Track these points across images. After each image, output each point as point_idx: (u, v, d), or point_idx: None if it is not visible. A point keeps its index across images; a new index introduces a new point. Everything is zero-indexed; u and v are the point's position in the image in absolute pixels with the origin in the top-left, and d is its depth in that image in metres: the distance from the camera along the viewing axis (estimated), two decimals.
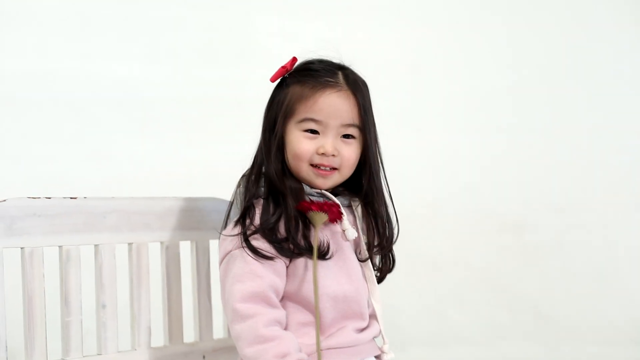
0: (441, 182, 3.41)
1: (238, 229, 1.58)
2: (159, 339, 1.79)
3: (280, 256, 1.56)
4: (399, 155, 2.98)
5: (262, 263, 1.55)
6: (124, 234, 1.73)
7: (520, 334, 3.21)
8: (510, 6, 3.52)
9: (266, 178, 1.62)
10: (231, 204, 1.64)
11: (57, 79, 2.96)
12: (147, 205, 1.76)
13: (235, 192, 1.64)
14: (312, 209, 1.55)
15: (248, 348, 1.51)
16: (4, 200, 1.57)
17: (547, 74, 3.51)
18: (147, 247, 1.77)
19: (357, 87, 1.64)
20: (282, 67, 1.65)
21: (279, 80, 1.66)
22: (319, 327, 1.51)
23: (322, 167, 1.61)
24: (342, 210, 1.62)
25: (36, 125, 2.91)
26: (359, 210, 1.69)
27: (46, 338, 1.61)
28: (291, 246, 1.56)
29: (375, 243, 1.67)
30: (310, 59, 1.66)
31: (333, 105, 1.60)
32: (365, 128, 1.63)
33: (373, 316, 1.69)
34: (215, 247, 1.83)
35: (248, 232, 1.56)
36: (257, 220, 1.57)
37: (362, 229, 1.68)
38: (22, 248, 1.59)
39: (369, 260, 1.68)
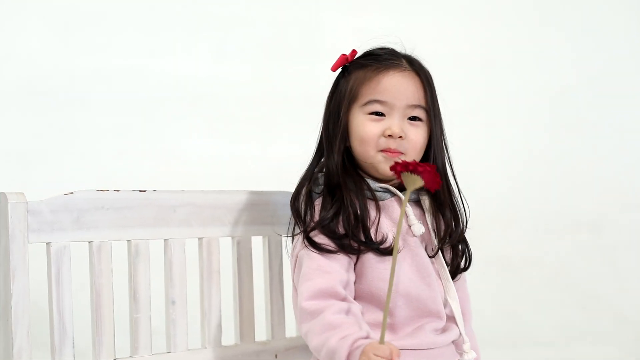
0: (513, 179, 3.37)
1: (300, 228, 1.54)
2: (229, 337, 1.75)
3: (342, 252, 1.51)
4: (470, 150, 2.95)
5: (328, 259, 1.50)
6: (195, 228, 1.69)
7: (595, 335, 3.14)
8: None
9: (326, 172, 1.57)
10: (293, 205, 1.59)
11: (125, 77, 2.99)
12: (218, 199, 1.72)
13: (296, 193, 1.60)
14: (406, 170, 1.39)
15: (315, 339, 1.44)
16: (72, 193, 1.54)
17: (622, 68, 3.45)
18: (218, 242, 1.73)
19: (422, 69, 1.60)
20: (343, 55, 1.61)
21: (340, 69, 1.62)
22: (387, 313, 1.37)
23: (390, 152, 1.55)
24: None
25: (106, 122, 2.95)
26: (426, 203, 1.61)
27: (114, 335, 1.58)
28: (352, 242, 1.51)
29: (442, 235, 1.59)
30: (371, 48, 1.63)
31: (398, 85, 1.55)
32: (431, 110, 1.58)
33: (451, 318, 1.61)
34: (288, 242, 1.79)
35: (308, 229, 1.52)
36: (317, 217, 1.54)
37: (432, 224, 1.60)
38: (89, 242, 1.56)
39: (440, 256, 1.60)
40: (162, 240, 1.66)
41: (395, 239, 1.40)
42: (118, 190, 1.60)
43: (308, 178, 1.60)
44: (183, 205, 1.67)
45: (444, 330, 1.59)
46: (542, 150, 3.39)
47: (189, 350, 1.67)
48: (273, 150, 3.08)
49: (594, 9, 3.46)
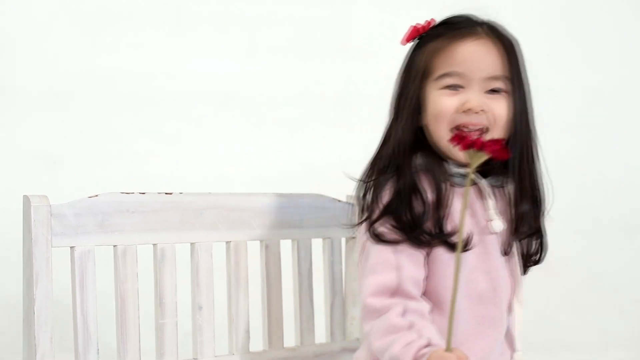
0: (546, 181, 3.34)
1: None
2: (257, 343, 1.72)
3: (408, 242, 1.39)
4: None
5: (396, 252, 1.38)
6: (222, 231, 1.66)
7: (632, 339, 3.08)
8: None
9: (392, 151, 1.43)
10: (360, 189, 1.47)
11: (154, 76, 2.99)
12: (246, 201, 1.69)
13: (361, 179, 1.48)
14: (471, 147, 1.22)
15: (379, 341, 1.35)
16: (96, 196, 1.52)
17: None
18: (246, 245, 1.69)
19: (503, 36, 1.45)
20: (414, 27, 1.47)
21: (413, 42, 1.48)
22: (453, 317, 1.24)
23: (467, 129, 1.40)
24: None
25: (133, 123, 2.95)
26: (511, 191, 1.47)
27: (139, 341, 1.55)
28: (421, 233, 1.38)
29: (521, 226, 1.46)
30: (447, 16, 1.48)
31: (474, 55, 1.41)
32: (515, 80, 1.43)
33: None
34: (317, 245, 1.79)
35: (373, 217, 1.40)
36: (383, 201, 1.41)
37: (512, 215, 1.46)
38: (114, 246, 1.54)
39: (515, 254, 1.48)
40: (189, 244, 1.63)
41: (459, 228, 1.25)
42: (143, 193, 1.58)
43: (374, 162, 1.46)
44: (210, 208, 1.64)
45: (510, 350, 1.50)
46: (576, 151, 3.35)
47: (216, 356, 1.64)
48: (303, 151, 3.06)
49: (623, 7, 3.43)
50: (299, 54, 3.14)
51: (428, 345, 1.30)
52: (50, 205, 1.46)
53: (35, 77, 2.87)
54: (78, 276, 1.49)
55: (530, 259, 1.52)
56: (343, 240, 1.82)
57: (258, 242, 1.72)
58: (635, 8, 3.41)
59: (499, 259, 1.46)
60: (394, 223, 1.39)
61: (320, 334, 1.80)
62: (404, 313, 1.35)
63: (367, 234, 1.41)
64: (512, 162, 1.44)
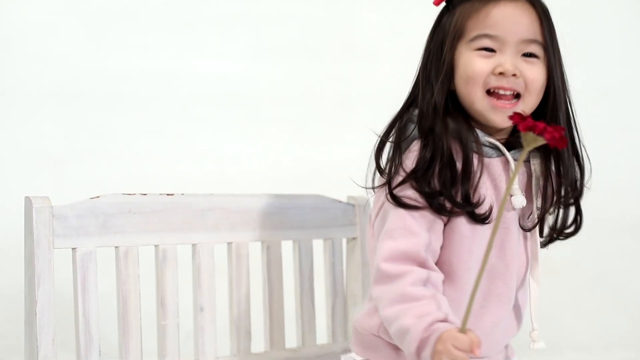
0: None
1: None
2: (259, 344, 1.72)
3: (430, 210, 1.34)
4: None
5: (415, 218, 1.33)
6: (223, 232, 1.66)
7: (637, 340, 3.05)
8: None
9: (419, 115, 1.38)
10: (377, 155, 1.42)
11: (156, 76, 2.97)
12: (247, 202, 1.69)
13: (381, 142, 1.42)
14: (530, 130, 1.18)
15: (388, 308, 1.30)
16: (98, 197, 1.52)
17: None
18: (248, 246, 1.69)
19: (538, 1, 1.40)
20: None
21: (443, 3, 1.43)
22: (474, 296, 1.19)
23: (501, 92, 1.36)
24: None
25: (136, 123, 2.93)
26: (537, 166, 1.42)
27: (141, 342, 1.55)
28: (445, 202, 1.33)
29: (557, 196, 1.40)
30: None
31: (510, 17, 1.36)
32: (549, 46, 1.38)
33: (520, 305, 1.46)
34: (318, 246, 1.79)
35: (394, 182, 1.35)
36: (407, 166, 1.35)
37: (536, 191, 1.42)
38: (116, 247, 1.54)
39: (537, 231, 1.43)
40: (190, 245, 1.63)
41: (500, 207, 1.20)
42: (145, 194, 1.58)
43: (395, 125, 1.42)
44: (211, 209, 1.64)
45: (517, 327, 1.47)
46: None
47: (217, 357, 1.64)
48: (305, 151, 3.04)
49: (623, 8, 3.41)
50: (301, 54, 3.12)
51: (444, 320, 1.26)
52: (52, 207, 1.46)
53: (37, 78, 2.87)
54: (80, 277, 1.49)
55: (562, 232, 1.46)
56: (344, 241, 1.82)
57: (259, 243, 1.72)
58: (635, 8, 3.40)
59: (515, 235, 1.42)
60: (418, 188, 1.34)
61: (322, 335, 1.80)
62: (420, 282, 1.30)
63: (387, 196, 1.36)
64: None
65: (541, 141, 1.17)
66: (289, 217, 1.74)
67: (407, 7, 3.19)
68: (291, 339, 1.77)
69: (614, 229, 3.29)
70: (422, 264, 1.32)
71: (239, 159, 2.99)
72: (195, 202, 1.62)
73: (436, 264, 1.37)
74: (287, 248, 1.76)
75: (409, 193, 1.34)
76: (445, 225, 1.36)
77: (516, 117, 1.19)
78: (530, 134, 1.18)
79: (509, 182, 1.26)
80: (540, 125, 1.17)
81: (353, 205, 1.80)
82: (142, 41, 2.96)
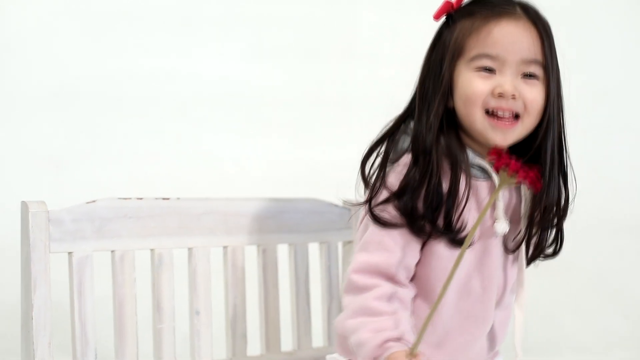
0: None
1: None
2: (255, 347, 1.73)
3: (408, 229, 1.33)
4: None
5: (394, 235, 1.34)
6: (219, 236, 1.66)
7: (636, 340, 3.06)
8: None
9: (414, 134, 1.36)
10: (362, 167, 1.41)
11: (157, 78, 2.96)
12: (243, 206, 1.69)
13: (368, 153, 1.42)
14: (505, 168, 1.20)
15: (350, 319, 1.32)
16: (94, 201, 1.53)
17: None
18: (243, 250, 1.70)
19: (539, 19, 1.38)
20: (447, 1, 1.40)
21: (443, 18, 1.41)
22: (432, 315, 1.22)
23: (500, 114, 1.35)
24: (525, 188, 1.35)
25: (137, 123, 2.92)
26: (526, 191, 1.40)
27: (137, 346, 1.56)
28: (427, 226, 1.33)
29: (538, 217, 1.39)
30: None
31: (510, 37, 1.34)
32: (549, 66, 1.37)
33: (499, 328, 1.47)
34: (313, 250, 1.79)
35: (376, 199, 1.35)
36: (391, 183, 1.35)
37: (525, 213, 1.41)
38: (112, 251, 1.54)
39: (523, 253, 1.43)
40: (186, 249, 1.63)
41: (470, 231, 1.22)
42: (141, 198, 1.58)
43: (385, 139, 1.41)
44: (207, 213, 1.65)
45: (490, 348, 1.47)
46: (581, 153, 3.31)
47: None
48: (305, 153, 3.03)
49: (623, 8, 3.41)
50: (301, 55, 3.11)
51: (399, 339, 1.28)
52: (48, 211, 1.46)
53: (36, 79, 2.86)
54: (76, 281, 1.50)
55: (541, 252, 1.46)
56: (340, 244, 1.82)
57: (255, 246, 1.72)
58: (635, 8, 3.39)
59: (498, 259, 1.42)
60: (402, 209, 1.33)
61: (318, 338, 1.80)
62: (385, 297, 1.31)
63: (366, 212, 1.36)
64: (543, 154, 1.39)
65: (513, 182, 1.20)
66: (285, 220, 1.74)
67: (407, 9, 3.19)
68: (287, 342, 1.77)
69: (613, 229, 3.28)
70: (392, 279, 1.33)
71: (238, 160, 2.99)
72: (191, 206, 1.63)
73: (413, 279, 1.38)
74: (283, 252, 1.76)
75: (389, 210, 1.34)
76: (424, 243, 1.37)
77: (493, 153, 1.22)
78: (505, 173, 1.21)
79: (481, 213, 1.26)
80: (514, 165, 1.19)
81: (349, 209, 1.80)
82: (142, 42, 2.96)
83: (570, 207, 1.44)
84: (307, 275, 1.78)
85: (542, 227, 1.42)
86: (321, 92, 3.10)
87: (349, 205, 1.53)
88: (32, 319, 1.44)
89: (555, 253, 1.47)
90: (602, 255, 3.24)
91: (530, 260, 1.46)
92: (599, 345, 3.04)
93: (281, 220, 1.73)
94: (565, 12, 3.34)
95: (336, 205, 1.80)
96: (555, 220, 1.43)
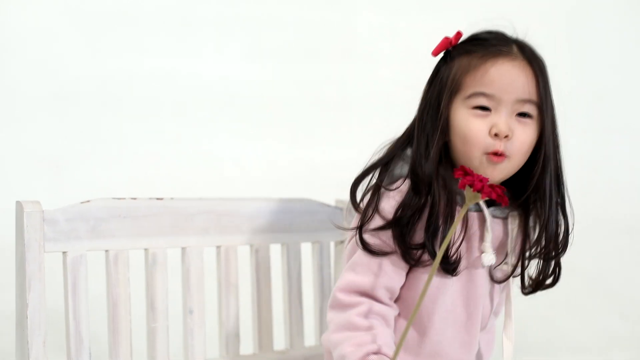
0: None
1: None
2: (247, 346, 1.73)
3: (397, 256, 1.36)
4: None
5: (380, 260, 1.37)
6: (212, 236, 1.67)
7: (635, 341, 3.05)
8: None
9: (412, 165, 1.38)
10: (353, 192, 1.43)
11: (156, 79, 2.96)
12: (236, 206, 1.70)
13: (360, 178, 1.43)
14: (470, 186, 1.22)
15: (335, 333, 1.37)
16: (88, 201, 1.53)
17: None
18: (236, 250, 1.71)
19: (535, 58, 1.40)
20: (446, 38, 1.42)
21: (442, 54, 1.43)
22: (407, 333, 1.26)
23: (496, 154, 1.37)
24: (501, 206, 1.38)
25: (136, 124, 2.92)
26: (516, 221, 1.44)
27: (131, 345, 1.56)
28: (424, 256, 1.36)
29: (537, 250, 1.43)
30: (478, 31, 1.44)
31: (506, 76, 1.36)
32: (543, 105, 1.39)
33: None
34: (305, 250, 1.80)
35: (368, 225, 1.37)
36: (384, 210, 1.37)
37: (512, 248, 1.44)
38: (106, 251, 1.55)
39: (510, 285, 1.46)
40: (180, 249, 1.64)
41: (440, 248, 1.25)
42: (135, 198, 1.59)
43: (380, 166, 1.42)
44: (201, 213, 1.65)
45: None
46: (579, 154, 3.31)
47: (206, 359, 1.65)
48: (304, 153, 3.03)
49: (623, 8, 3.40)
50: (302, 56, 3.11)
51: (377, 352, 1.33)
52: (42, 211, 1.47)
53: (35, 80, 2.86)
54: (70, 281, 1.50)
55: (541, 284, 1.48)
56: (332, 244, 1.83)
57: (248, 246, 1.73)
58: (635, 8, 3.39)
59: (484, 288, 1.45)
60: (399, 238, 1.36)
61: (310, 337, 1.81)
62: (367, 314, 1.36)
63: (356, 239, 1.39)
64: (542, 190, 1.42)
65: (479, 198, 1.22)
66: (278, 220, 1.74)
67: (407, 9, 3.19)
68: (279, 341, 1.79)
69: (613, 229, 3.28)
70: (374, 298, 1.38)
71: (238, 160, 2.98)
72: (184, 206, 1.63)
73: (398, 301, 1.42)
74: (276, 251, 1.77)
75: (382, 236, 1.37)
76: (410, 267, 1.39)
77: (459, 172, 1.25)
78: (470, 191, 1.23)
79: (452, 227, 1.29)
80: (478, 184, 1.22)
81: (341, 209, 1.81)
82: (142, 43, 2.95)
83: (570, 240, 1.47)
84: (299, 274, 1.79)
85: (541, 259, 1.46)
86: (321, 93, 3.10)
87: (344, 205, 1.54)
88: (27, 318, 1.45)
89: (553, 283, 1.50)
90: (601, 256, 3.24)
91: (530, 292, 1.49)
92: (597, 346, 3.03)
93: (274, 220, 1.74)
94: (566, 12, 3.35)
95: (328, 205, 1.81)
96: (554, 253, 1.45)
